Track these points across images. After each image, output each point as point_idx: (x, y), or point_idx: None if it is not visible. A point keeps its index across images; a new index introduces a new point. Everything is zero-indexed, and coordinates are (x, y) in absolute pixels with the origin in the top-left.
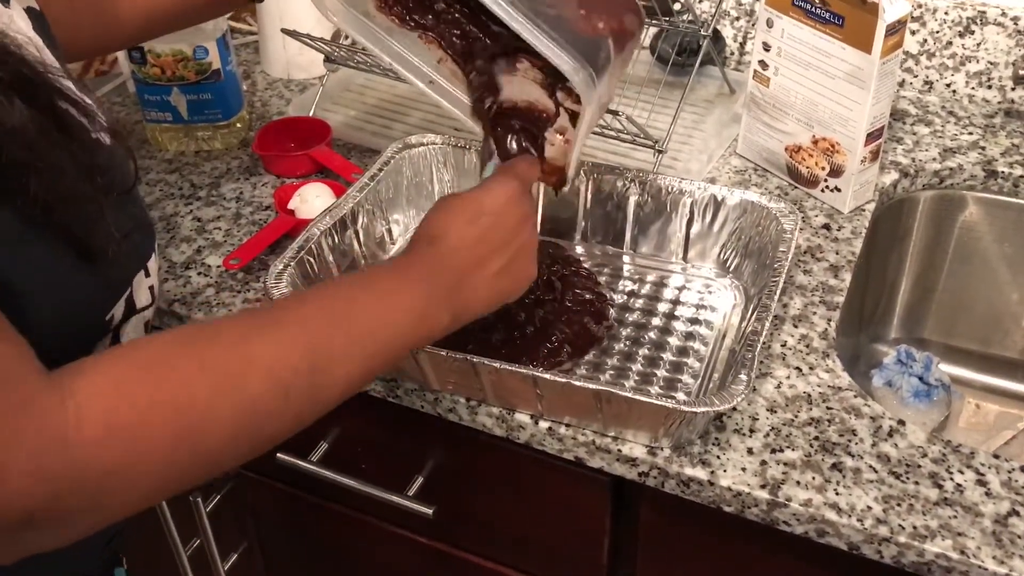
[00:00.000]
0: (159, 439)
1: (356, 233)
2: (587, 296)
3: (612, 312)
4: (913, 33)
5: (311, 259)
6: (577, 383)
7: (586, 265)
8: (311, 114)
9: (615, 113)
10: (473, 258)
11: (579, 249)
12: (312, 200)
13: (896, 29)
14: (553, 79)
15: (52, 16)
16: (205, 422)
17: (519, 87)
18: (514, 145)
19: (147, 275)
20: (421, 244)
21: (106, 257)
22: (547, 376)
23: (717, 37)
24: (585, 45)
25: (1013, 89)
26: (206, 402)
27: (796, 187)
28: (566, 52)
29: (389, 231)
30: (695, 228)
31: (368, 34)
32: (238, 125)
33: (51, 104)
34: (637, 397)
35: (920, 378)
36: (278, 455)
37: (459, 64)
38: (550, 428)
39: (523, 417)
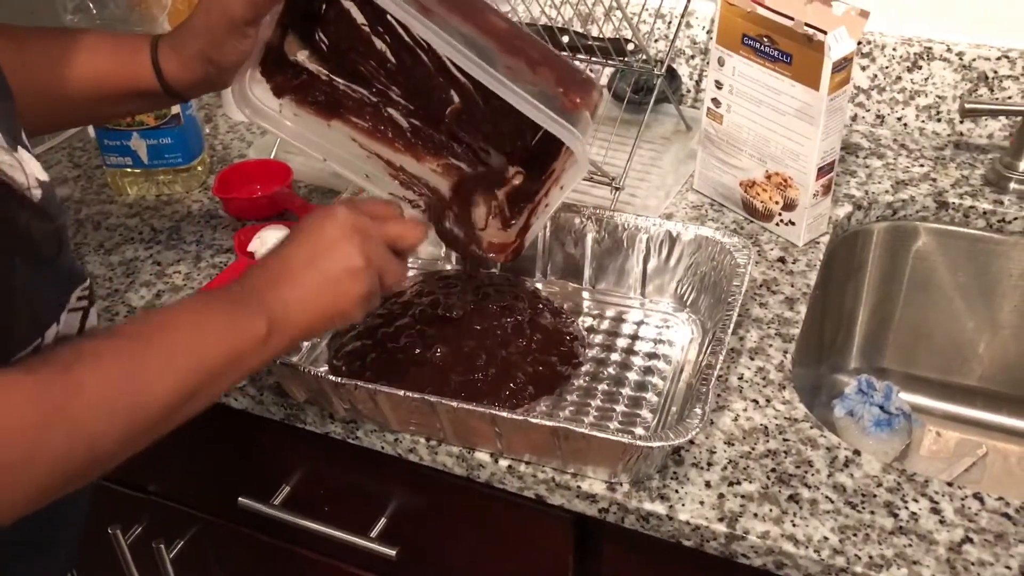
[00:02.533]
0: None
1: None
2: (557, 337)
3: (583, 352)
4: (864, 69)
5: None
6: (534, 420)
7: (558, 304)
8: (272, 156)
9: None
10: (280, 270)
11: (539, 286)
12: (271, 242)
13: (842, 66)
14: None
15: None
16: (35, 451)
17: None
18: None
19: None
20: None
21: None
22: (504, 414)
23: (673, 75)
24: (570, 119)
25: (961, 122)
26: (35, 432)
27: (752, 221)
28: (563, 125)
29: None
30: (652, 264)
31: (302, 137)
32: (199, 168)
33: None
34: (594, 433)
35: (881, 407)
36: (240, 499)
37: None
38: (510, 466)
39: (483, 456)
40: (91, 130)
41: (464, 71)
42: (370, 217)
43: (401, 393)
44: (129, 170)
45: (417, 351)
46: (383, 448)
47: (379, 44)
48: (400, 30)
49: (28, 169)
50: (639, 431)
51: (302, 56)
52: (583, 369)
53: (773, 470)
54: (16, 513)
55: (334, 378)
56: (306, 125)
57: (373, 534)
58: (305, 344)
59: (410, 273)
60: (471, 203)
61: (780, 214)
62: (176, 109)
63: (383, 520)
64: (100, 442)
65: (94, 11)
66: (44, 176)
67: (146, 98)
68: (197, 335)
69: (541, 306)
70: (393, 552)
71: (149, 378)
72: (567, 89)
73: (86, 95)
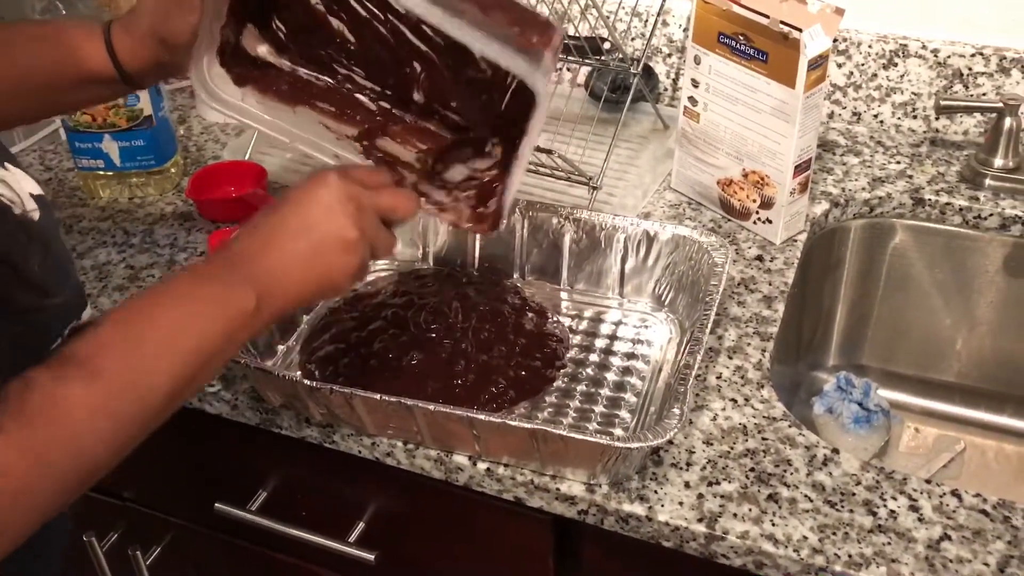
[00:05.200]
0: None
1: None
2: (540, 340)
3: (566, 353)
4: (840, 66)
5: None
6: (512, 423)
7: (542, 304)
8: (247, 158)
9: (548, 152)
10: (266, 241)
11: (518, 286)
12: None
13: (818, 64)
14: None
15: None
16: (39, 476)
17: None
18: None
19: None
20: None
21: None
22: (482, 417)
23: (649, 74)
24: (527, 55)
25: (937, 119)
26: (36, 456)
27: (729, 220)
28: (516, 57)
29: None
30: (630, 263)
31: (268, 123)
32: (172, 171)
33: None
34: (571, 435)
35: (860, 404)
36: (216, 505)
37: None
38: (488, 469)
39: (461, 459)
40: (62, 132)
41: (427, 38)
42: (362, 186)
43: (378, 397)
44: (101, 172)
45: (391, 356)
46: (360, 452)
47: (336, 24)
48: (354, 3)
49: (22, 187)
50: (618, 432)
51: (263, 51)
52: (562, 370)
53: (752, 469)
54: (22, 535)
55: (309, 382)
56: (271, 111)
57: (351, 539)
58: (280, 348)
59: (384, 273)
60: (448, 176)
61: (757, 212)
62: (148, 111)
63: (361, 525)
64: (103, 451)
65: (63, 11)
66: (38, 190)
67: (102, 85)
68: (188, 321)
69: (525, 307)
70: (372, 556)
71: (147, 378)
72: (524, 29)
73: (41, 83)
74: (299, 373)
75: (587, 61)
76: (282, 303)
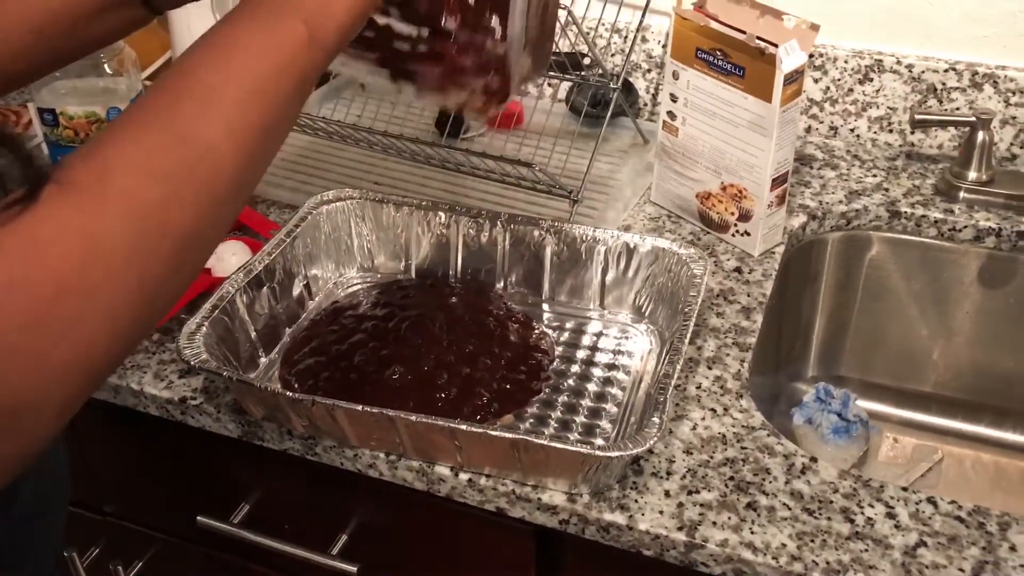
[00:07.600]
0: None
1: (272, 290)
2: (524, 352)
3: (549, 365)
4: (816, 81)
5: (226, 318)
6: (494, 433)
7: (522, 317)
8: None
9: (529, 165)
10: None
11: (502, 297)
12: (228, 258)
13: (794, 78)
14: None
15: None
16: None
17: None
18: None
19: None
20: None
21: None
22: (464, 427)
23: (629, 89)
24: None
25: (912, 133)
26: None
27: (708, 232)
28: None
29: (307, 287)
30: (610, 275)
31: None
32: None
33: None
34: (553, 444)
35: (839, 415)
36: (198, 518)
37: None
38: (470, 480)
39: (443, 470)
40: (44, 148)
41: None
42: None
43: (359, 408)
44: None
45: (372, 370)
46: (342, 464)
47: None
48: None
49: None
50: (598, 442)
51: None
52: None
53: (731, 478)
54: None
55: (291, 394)
56: None
57: (334, 551)
58: (263, 360)
59: (366, 285)
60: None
61: (736, 225)
62: None
63: (344, 537)
64: (178, 226)
65: None
66: None
67: (124, 5)
68: (229, 62)
69: (509, 318)
70: (355, 569)
71: (193, 129)
72: None
73: (63, 12)
74: (279, 385)
75: (568, 76)
76: (340, 17)
